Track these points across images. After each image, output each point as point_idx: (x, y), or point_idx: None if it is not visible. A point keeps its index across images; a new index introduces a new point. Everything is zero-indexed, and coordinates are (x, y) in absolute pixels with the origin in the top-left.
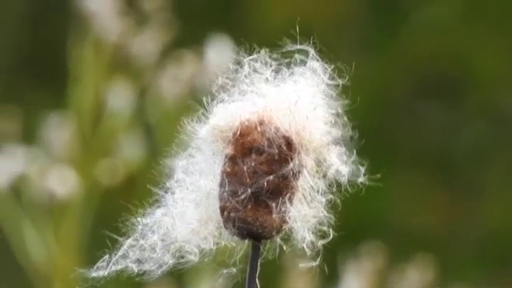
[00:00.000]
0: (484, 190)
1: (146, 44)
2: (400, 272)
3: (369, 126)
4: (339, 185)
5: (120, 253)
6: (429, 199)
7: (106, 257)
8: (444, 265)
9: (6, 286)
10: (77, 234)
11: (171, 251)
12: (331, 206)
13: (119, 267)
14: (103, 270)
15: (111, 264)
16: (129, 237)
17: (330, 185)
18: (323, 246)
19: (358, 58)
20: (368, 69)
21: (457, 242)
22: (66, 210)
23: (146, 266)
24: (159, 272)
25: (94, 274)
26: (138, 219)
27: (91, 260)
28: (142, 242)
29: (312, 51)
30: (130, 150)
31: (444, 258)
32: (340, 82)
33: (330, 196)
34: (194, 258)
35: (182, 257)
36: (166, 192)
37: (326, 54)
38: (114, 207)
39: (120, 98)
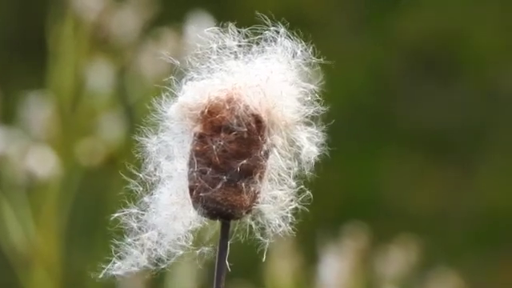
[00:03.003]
0: (479, 168)
1: (126, 22)
2: (383, 252)
3: (364, 103)
4: (310, 166)
5: (125, 255)
6: (424, 177)
7: (114, 260)
8: (437, 243)
9: None
10: (57, 214)
11: (165, 243)
12: (304, 188)
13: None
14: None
15: (120, 267)
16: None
17: (301, 167)
18: (303, 227)
19: (355, 35)
20: (364, 46)
21: (451, 220)
22: (46, 191)
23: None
24: (160, 266)
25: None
26: (128, 211)
27: (70, 242)
28: (138, 238)
29: (282, 29)
30: (110, 130)
31: (437, 236)
32: (314, 59)
33: (301, 179)
34: (184, 243)
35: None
36: (142, 179)
37: (302, 33)
38: (95, 187)
39: (100, 76)
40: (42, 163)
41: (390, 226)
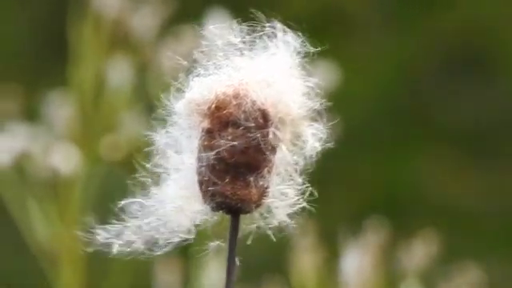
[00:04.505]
0: None
1: (146, 19)
2: (407, 247)
3: (398, 100)
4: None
5: (114, 232)
6: (458, 175)
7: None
8: (471, 240)
9: (11, 264)
10: (81, 210)
11: (162, 231)
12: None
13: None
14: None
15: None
16: (123, 217)
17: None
18: (329, 222)
19: (389, 32)
20: (398, 43)
21: (486, 217)
22: (70, 188)
23: (139, 246)
24: (154, 252)
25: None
26: (133, 199)
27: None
28: (134, 222)
29: (278, 25)
30: (131, 126)
31: (472, 232)
32: (313, 52)
33: (307, 174)
34: (186, 235)
35: (173, 236)
36: (151, 170)
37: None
38: (117, 184)
39: (120, 74)
40: (65, 160)
41: (424, 222)
